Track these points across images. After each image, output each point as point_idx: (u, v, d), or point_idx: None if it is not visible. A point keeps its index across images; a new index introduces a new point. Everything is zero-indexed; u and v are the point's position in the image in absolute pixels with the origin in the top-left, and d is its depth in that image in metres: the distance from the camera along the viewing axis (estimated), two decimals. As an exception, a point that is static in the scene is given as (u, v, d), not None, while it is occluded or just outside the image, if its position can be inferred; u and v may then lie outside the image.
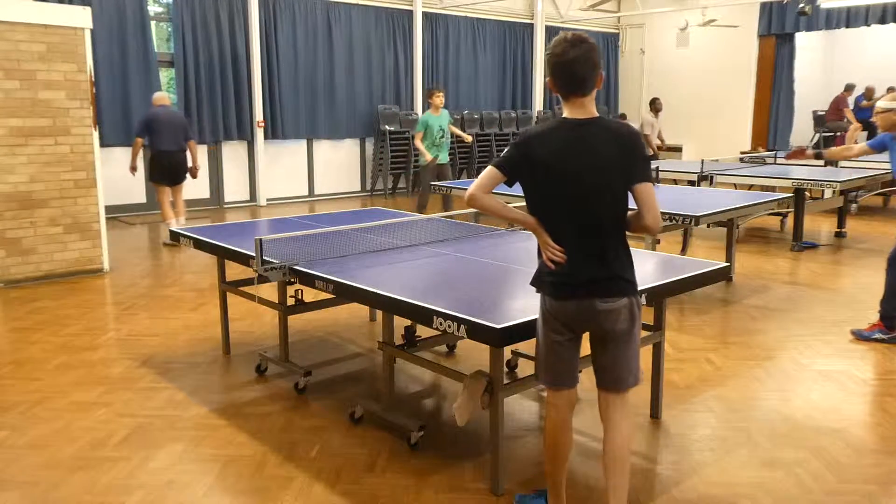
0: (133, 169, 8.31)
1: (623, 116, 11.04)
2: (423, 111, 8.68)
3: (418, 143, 8.81)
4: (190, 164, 8.51)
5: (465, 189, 8.12)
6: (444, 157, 8.85)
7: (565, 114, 2.50)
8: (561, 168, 2.44)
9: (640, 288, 3.10)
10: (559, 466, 2.67)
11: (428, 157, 8.68)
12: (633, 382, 2.63)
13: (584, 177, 2.44)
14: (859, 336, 4.87)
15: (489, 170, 2.54)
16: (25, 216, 6.43)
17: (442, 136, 8.75)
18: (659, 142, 12.30)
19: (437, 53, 13.74)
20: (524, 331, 2.73)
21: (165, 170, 8.36)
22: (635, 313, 2.58)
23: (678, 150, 14.68)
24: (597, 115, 2.50)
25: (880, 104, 4.92)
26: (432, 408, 4.00)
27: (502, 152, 2.56)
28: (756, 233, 9.09)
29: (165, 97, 8.65)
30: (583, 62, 2.41)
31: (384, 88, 12.93)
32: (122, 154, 10.27)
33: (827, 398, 3.99)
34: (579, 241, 2.49)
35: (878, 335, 4.81)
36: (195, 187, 10.97)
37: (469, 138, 9.47)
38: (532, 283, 2.64)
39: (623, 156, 2.44)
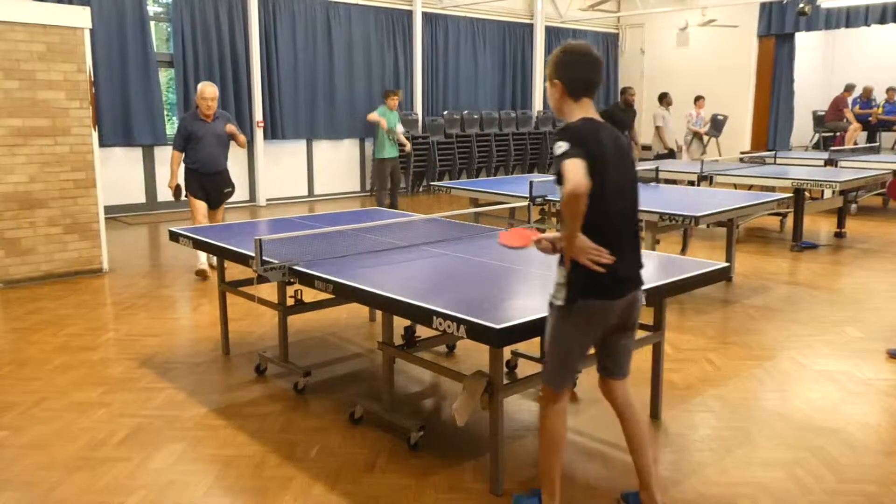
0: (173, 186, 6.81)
1: (624, 91, 10.95)
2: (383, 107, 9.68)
3: (375, 117, 9.39)
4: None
5: (465, 189, 7.98)
6: (395, 153, 9.55)
7: (584, 115, 2.60)
8: (617, 164, 2.56)
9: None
10: (560, 461, 2.78)
11: (383, 123, 9.30)
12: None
13: (629, 174, 2.65)
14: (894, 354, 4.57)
15: (578, 161, 2.37)
16: (25, 216, 6.42)
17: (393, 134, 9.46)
18: (670, 144, 12.13)
19: (436, 53, 13.74)
20: (524, 331, 2.73)
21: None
22: None
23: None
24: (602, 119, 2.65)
25: None
26: (432, 408, 4.00)
27: (563, 149, 2.41)
28: (756, 233, 9.09)
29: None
30: (601, 64, 2.66)
31: (384, 88, 12.91)
32: (122, 154, 10.33)
33: (827, 398, 3.99)
34: (631, 235, 2.65)
35: None
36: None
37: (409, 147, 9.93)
38: (572, 297, 2.55)
39: (632, 156, 2.72)
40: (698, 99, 12.82)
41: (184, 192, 6.70)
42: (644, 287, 3.13)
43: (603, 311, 2.62)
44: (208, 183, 6.69)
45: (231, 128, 6.68)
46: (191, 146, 6.57)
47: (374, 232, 4.44)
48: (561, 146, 2.42)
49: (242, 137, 6.80)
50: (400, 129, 9.67)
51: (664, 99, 12.05)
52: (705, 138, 12.93)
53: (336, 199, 12.48)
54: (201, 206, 6.70)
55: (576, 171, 2.35)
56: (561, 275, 2.60)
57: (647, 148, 13.74)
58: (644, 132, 16.21)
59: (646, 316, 3.73)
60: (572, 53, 2.62)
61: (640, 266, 2.72)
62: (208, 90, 6.60)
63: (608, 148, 2.53)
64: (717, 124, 13.40)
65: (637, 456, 2.81)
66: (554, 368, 2.71)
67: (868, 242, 8.39)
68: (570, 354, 2.68)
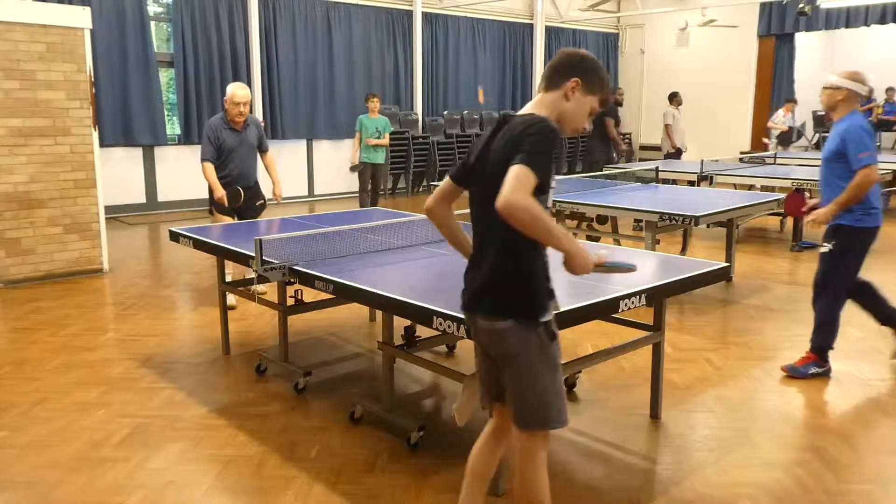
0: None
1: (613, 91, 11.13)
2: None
3: (354, 142, 9.56)
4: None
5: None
6: (379, 158, 9.53)
7: None
8: (481, 165, 2.26)
9: (640, 288, 3.10)
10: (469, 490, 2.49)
11: (355, 159, 9.49)
12: (529, 424, 2.25)
13: (477, 172, 2.27)
14: (794, 373, 4.28)
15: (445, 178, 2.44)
16: (25, 216, 6.42)
17: (378, 138, 9.43)
18: (678, 143, 12.04)
19: (437, 53, 13.74)
20: (524, 331, 2.72)
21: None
22: (528, 344, 2.19)
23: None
24: (521, 113, 2.27)
25: (830, 78, 4.23)
26: (432, 408, 4.00)
27: None
28: (756, 233, 9.09)
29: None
30: (554, 60, 2.30)
31: (384, 88, 12.93)
32: (122, 154, 10.33)
33: (827, 398, 3.99)
34: (480, 247, 2.29)
35: (813, 370, 4.26)
36: (194, 188, 10.98)
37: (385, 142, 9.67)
38: None
39: (508, 143, 2.13)
40: (788, 101, 12.97)
41: (243, 194, 5.78)
42: (643, 287, 3.12)
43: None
44: (231, 196, 5.79)
45: (275, 184, 6.05)
46: (220, 158, 5.73)
47: (374, 232, 4.44)
48: None
49: (280, 190, 6.13)
50: (384, 139, 9.59)
51: (674, 98, 12.00)
52: (793, 136, 13.09)
53: (336, 199, 12.48)
54: (227, 221, 5.74)
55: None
56: None
57: (655, 148, 13.76)
58: (646, 132, 16.23)
59: (646, 316, 3.75)
60: None
61: (479, 283, 2.24)
62: (240, 93, 5.66)
63: (475, 148, 2.31)
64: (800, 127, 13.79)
65: None
66: None
67: (868, 242, 8.38)
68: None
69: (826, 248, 4.22)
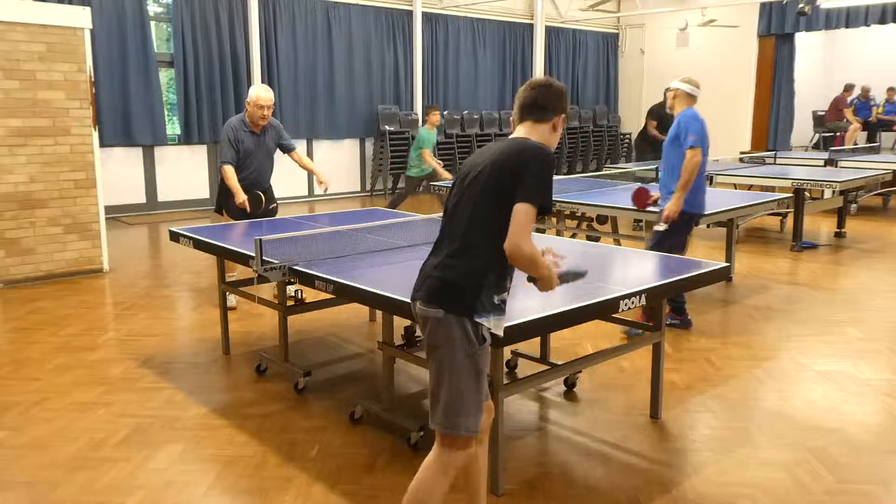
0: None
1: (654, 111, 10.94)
2: (422, 125, 9.72)
3: (430, 160, 9.33)
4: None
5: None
6: (430, 169, 9.49)
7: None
8: (462, 179, 2.42)
9: (639, 288, 3.11)
10: None
11: (447, 175, 9.25)
12: (439, 423, 2.33)
13: (468, 189, 2.35)
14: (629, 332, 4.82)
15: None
16: (25, 216, 6.42)
17: (435, 153, 9.61)
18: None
19: (437, 53, 13.74)
20: (524, 331, 2.73)
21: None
22: (453, 338, 2.25)
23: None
24: (517, 136, 2.42)
25: (671, 84, 4.98)
26: (432, 408, 4.00)
27: None
28: (756, 233, 9.09)
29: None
30: (539, 94, 2.44)
31: (384, 88, 12.94)
32: (122, 154, 10.33)
33: (827, 398, 3.99)
34: (441, 241, 2.42)
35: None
36: (194, 188, 11.00)
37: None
38: None
39: (505, 162, 2.27)
40: None
41: (265, 201, 5.76)
42: (642, 287, 3.13)
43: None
44: (253, 202, 5.67)
45: (318, 174, 5.93)
46: (237, 161, 5.61)
47: (374, 232, 4.44)
48: None
49: (324, 178, 5.95)
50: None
51: None
52: None
53: (336, 199, 12.48)
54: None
55: None
56: None
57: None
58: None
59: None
60: None
61: (428, 267, 2.38)
62: (265, 96, 5.54)
63: (464, 166, 2.45)
64: None
65: None
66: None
67: (868, 242, 8.39)
68: None
69: (663, 227, 4.91)
